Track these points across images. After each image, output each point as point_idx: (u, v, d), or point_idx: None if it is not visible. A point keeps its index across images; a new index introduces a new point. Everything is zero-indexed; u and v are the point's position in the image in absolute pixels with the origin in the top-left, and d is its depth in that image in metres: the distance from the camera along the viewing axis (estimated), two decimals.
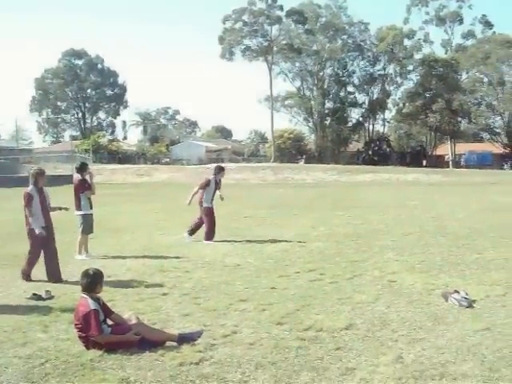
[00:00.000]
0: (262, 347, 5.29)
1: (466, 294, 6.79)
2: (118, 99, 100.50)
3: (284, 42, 74.73)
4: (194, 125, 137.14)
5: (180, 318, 6.24)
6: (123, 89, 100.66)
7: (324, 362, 4.94)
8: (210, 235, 12.08)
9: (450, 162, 77.27)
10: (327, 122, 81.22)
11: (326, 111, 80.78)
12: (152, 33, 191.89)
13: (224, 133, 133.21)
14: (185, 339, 5.37)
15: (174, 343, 5.33)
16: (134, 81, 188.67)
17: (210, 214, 12.21)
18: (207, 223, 12.13)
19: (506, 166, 71.82)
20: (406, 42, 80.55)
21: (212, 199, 12.35)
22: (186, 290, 7.57)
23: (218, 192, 12.49)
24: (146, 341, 5.26)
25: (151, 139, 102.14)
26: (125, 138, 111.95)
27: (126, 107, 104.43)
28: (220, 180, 12.69)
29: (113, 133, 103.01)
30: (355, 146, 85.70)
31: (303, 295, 7.20)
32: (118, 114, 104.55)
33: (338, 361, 4.96)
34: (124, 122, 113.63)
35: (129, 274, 8.70)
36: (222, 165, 13.71)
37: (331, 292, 7.38)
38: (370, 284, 7.82)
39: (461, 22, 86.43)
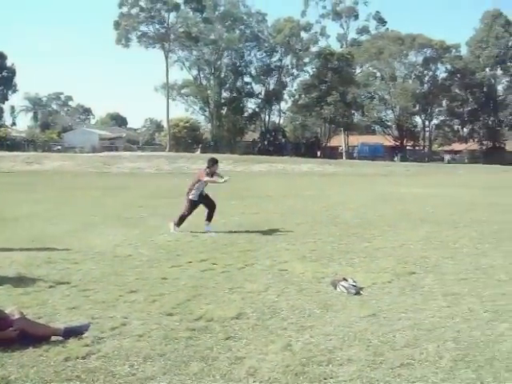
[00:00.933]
0: (151, 339, 5.18)
1: (354, 281, 6.97)
2: (6, 83, 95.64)
3: (181, 29, 74.01)
4: (87, 112, 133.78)
5: (67, 312, 5.99)
6: (12, 72, 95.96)
7: (214, 351, 4.90)
8: (180, 221, 11.80)
9: (344, 154, 79.70)
10: (223, 112, 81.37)
11: (223, 101, 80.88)
12: (43, 14, 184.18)
13: (119, 120, 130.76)
14: (71, 333, 5.14)
15: (60, 337, 5.10)
16: (24, 64, 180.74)
17: (192, 206, 11.93)
18: (185, 210, 11.87)
19: (396, 158, 75.02)
20: (303, 35, 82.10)
21: (200, 193, 12.00)
22: (75, 282, 7.30)
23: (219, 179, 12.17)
24: (30, 336, 5.00)
25: (42, 126, 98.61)
26: (13, 124, 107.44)
27: (14, 91, 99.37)
28: (215, 172, 12.17)
29: (0, 118, 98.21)
30: (251, 135, 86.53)
31: (194, 285, 7.14)
32: (7, 99, 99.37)
33: (228, 350, 4.93)
34: (12, 108, 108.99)
35: (14, 266, 8.28)
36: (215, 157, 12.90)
37: (222, 282, 7.36)
38: (262, 273, 7.87)
39: (356, 17, 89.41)
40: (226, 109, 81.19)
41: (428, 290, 6.99)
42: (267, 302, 6.43)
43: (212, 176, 12.03)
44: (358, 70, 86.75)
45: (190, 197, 11.95)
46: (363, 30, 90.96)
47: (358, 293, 6.74)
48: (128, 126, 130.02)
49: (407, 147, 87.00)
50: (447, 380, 4.37)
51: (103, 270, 8.05)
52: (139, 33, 72.89)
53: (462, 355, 4.87)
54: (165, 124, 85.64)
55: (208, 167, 12.11)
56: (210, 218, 12.04)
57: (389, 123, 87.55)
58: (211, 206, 12.10)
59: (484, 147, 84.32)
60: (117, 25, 71.52)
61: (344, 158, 76.12)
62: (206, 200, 12.16)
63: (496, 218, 14.65)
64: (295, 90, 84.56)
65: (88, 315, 5.83)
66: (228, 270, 8.01)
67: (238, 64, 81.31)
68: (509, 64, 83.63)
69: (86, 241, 10.57)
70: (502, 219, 14.33)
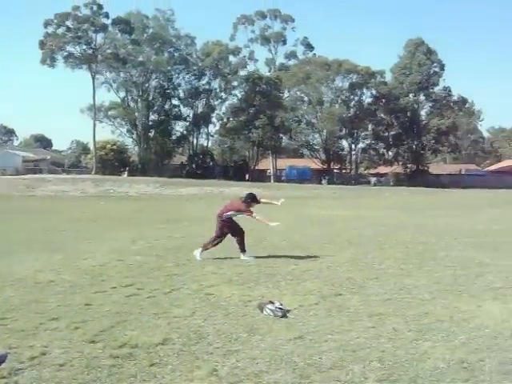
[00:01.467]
0: (73, 368, 5.00)
1: (281, 304, 6.96)
2: None
3: (109, 50, 73.00)
4: (10, 133, 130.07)
5: None
6: None
7: (138, 379, 4.78)
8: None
9: (272, 177, 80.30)
10: (151, 134, 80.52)
11: (151, 123, 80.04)
12: None
13: (43, 142, 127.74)
14: None
15: None
16: None
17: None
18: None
19: (323, 181, 76.24)
20: (232, 59, 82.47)
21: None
22: None
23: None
24: None
25: None
26: None
27: None
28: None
29: None
30: (179, 158, 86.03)
31: (119, 311, 6.96)
32: None
33: (153, 377, 4.82)
34: None
35: None
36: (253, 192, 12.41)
37: (148, 307, 7.21)
38: (188, 297, 7.76)
39: (284, 42, 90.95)
40: (153, 131, 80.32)
41: (354, 311, 7.05)
42: (193, 326, 6.34)
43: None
44: (285, 94, 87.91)
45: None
46: (291, 55, 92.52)
47: (284, 315, 6.73)
48: (53, 147, 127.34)
49: (334, 170, 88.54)
50: None
51: (23, 296, 7.75)
52: (65, 53, 71.33)
53: (387, 375, 4.95)
54: (91, 146, 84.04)
55: (245, 201, 11.69)
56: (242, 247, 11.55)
57: (316, 147, 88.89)
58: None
59: (408, 170, 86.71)
60: (42, 44, 69.82)
61: (272, 181, 76.70)
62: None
63: (421, 238, 15.02)
64: (223, 113, 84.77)
65: (5, 345, 5.58)
66: (154, 295, 7.86)
67: (167, 86, 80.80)
68: (431, 90, 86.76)
69: (5, 267, 10.16)
70: (427, 240, 14.70)
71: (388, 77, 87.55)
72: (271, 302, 6.96)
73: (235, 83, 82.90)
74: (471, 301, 7.66)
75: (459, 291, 8.27)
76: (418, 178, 79.56)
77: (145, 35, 76.88)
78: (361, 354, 5.48)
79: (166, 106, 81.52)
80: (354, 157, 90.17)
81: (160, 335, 5.95)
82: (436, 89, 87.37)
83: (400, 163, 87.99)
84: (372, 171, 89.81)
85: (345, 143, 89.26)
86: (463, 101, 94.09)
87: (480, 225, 19.65)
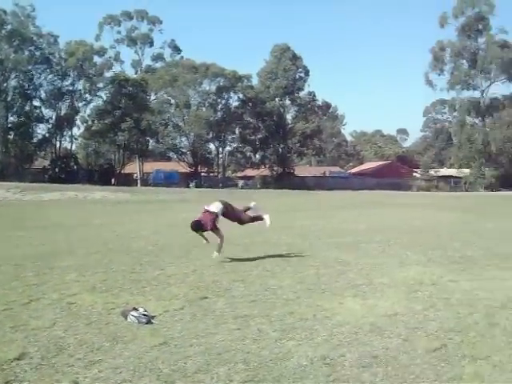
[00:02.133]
0: None
1: (145, 310, 6.82)
2: None
3: None
4: None
5: None
6: None
7: None
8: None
9: (139, 181, 79.21)
10: (10, 137, 76.65)
11: (10, 125, 76.21)
12: None
13: None
14: None
15: None
16: None
17: None
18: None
19: (191, 185, 76.18)
20: (97, 59, 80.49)
21: None
22: None
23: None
24: None
25: None
26: None
27: None
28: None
29: None
30: (41, 162, 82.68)
31: None
32: None
33: None
34: None
35: None
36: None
37: (4, 320, 6.76)
38: (48, 308, 7.39)
39: (151, 44, 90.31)
40: (13, 134, 76.55)
41: (219, 314, 7.05)
42: (53, 338, 6.04)
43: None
44: (152, 97, 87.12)
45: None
46: (158, 57, 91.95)
47: (149, 322, 6.60)
48: None
49: (202, 173, 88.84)
50: None
51: None
52: None
53: (252, 376, 4.97)
54: None
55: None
56: None
57: (183, 150, 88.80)
58: None
59: (275, 173, 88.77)
60: None
61: (139, 185, 75.66)
62: None
63: (286, 240, 15.35)
64: (88, 115, 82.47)
65: None
66: (11, 307, 7.41)
67: (27, 87, 77.25)
68: (296, 95, 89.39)
69: None
70: (292, 241, 15.05)
71: (255, 81, 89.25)
72: (135, 309, 6.80)
73: (100, 85, 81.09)
74: (333, 298, 7.91)
75: (322, 290, 8.52)
76: (284, 180, 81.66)
77: (3, 31, 73.02)
78: (226, 356, 5.48)
79: (27, 108, 77.95)
80: (221, 160, 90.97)
81: (16, 350, 5.60)
82: (301, 93, 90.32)
83: (267, 166, 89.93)
84: (239, 174, 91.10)
85: (212, 146, 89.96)
86: (327, 105, 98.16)
87: (343, 225, 20.43)
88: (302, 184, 79.08)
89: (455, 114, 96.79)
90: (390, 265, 10.92)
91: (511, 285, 8.84)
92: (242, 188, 79.05)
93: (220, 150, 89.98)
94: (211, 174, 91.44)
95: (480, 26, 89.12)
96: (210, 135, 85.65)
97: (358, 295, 8.14)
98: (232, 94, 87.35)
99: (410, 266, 10.81)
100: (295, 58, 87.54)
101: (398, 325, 6.59)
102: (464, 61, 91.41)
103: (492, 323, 6.65)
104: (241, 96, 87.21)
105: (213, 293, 8.29)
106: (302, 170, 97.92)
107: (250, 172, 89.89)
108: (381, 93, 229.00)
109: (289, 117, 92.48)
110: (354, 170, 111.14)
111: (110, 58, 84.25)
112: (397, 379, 4.95)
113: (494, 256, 12.06)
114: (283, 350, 5.65)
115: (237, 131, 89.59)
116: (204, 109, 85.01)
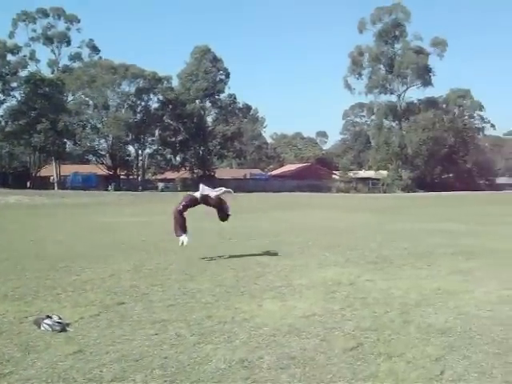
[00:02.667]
0: None
1: (60, 317, 6.61)
2: None
3: None
4: None
5: None
6: None
7: None
8: None
9: (56, 184, 77.11)
10: None
11: None
12: None
13: None
14: None
15: None
16: None
17: None
18: None
19: (110, 187, 74.79)
20: (10, 58, 77.72)
21: None
22: None
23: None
24: None
25: None
26: None
27: None
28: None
29: None
30: None
31: None
32: None
33: None
34: None
35: None
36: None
37: None
38: None
39: (68, 43, 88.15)
40: None
41: (137, 320, 6.92)
42: None
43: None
44: (69, 98, 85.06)
45: None
46: (76, 57, 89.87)
47: (63, 329, 6.39)
48: None
49: (121, 176, 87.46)
50: None
51: None
52: None
53: (170, 381, 4.92)
54: None
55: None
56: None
57: (102, 152, 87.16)
58: None
59: (195, 175, 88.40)
60: None
61: (56, 188, 73.68)
62: None
63: (206, 242, 15.29)
64: (1, 116, 79.55)
65: None
66: None
67: None
68: (217, 97, 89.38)
69: None
70: (212, 243, 15.04)
71: (175, 82, 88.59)
72: (49, 317, 6.57)
73: (14, 84, 78.33)
74: (252, 301, 7.92)
75: (241, 292, 8.52)
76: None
77: None
78: (143, 362, 5.38)
79: None
80: (140, 162, 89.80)
81: None
82: (222, 96, 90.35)
83: (187, 168, 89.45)
84: (159, 177, 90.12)
85: (131, 149, 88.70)
86: (247, 108, 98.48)
87: (262, 227, 20.58)
88: (223, 186, 78.94)
89: (373, 117, 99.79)
90: (309, 266, 11.06)
91: (425, 283, 9.12)
92: (162, 191, 78.31)
93: (139, 152, 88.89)
94: (130, 177, 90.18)
95: (397, 33, 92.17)
96: (130, 137, 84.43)
97: (277, 297, 8.19)
98: (152, 96, 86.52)
99: (328, 266, 10.99)
100: (216, 60, 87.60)
101: (315, 325, 6.67)
102: (381, 65, 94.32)
103: (407, 321, 6.84)
104: (161, 98, 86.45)
105: (130, 298, 8.14)
106: (223, 172, 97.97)
107: (170, 175, 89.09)
108: (301, 96, 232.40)
109: (209, 119, 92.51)
110: (274, 172, 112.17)
111: (24, 56, 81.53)
112: (314, 379, 5.00)
113: (410, 255, 12.44)
114: (201, 354, 5.61)
115: (157, 133, 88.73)
116: (123, 110, 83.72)
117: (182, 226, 12.43)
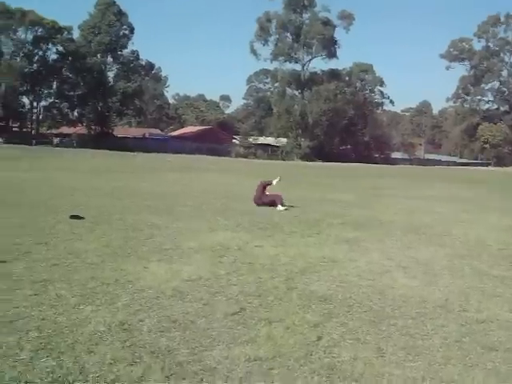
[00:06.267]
0: None
1: None
2: None
3: None
4: None
5: None
6: None
7: None
8: None
9: None
10: None
11: None
12: None
13: None
14: None
15: None
16: None
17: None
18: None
19: (0, 140, 71.33)
20: None
21: None
22: None
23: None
24: None
25: None
26: None
27: None
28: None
29: None
30: None
31: None
32: None
33: None
34: None
35: None
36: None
37: None
38: None
39: None
40: None
41: (16, 279, 6.69)
42: None
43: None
44: None
45: None
46: None
47: None
48: None
49: (13, 129, 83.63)
50: (27, 372, 4.21)
51: None
52: None
53: (45, 343, 4.81)
54: None
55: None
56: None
57: None
58: None
59: (93, 132, 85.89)
60: None
61: None
62: None
63: (96, 202, 14.94)
64: None
65: None
66: None
67: None
68: (119, 53, 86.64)
69: None
70: (102, 203, 14.68)
71: (76, 34, 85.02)
72: None
73: None
74: (139, 263, 7.85)
75: (128, 253, 8.43)
76: (102, 140, 79.21)
77: None
78: (18, 324, 5.22)
79: None
80: (35, 115, 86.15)
81: None
82: (124, 52, 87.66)
83: (84, 124, 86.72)
84: (55, 131, 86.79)
85: (26, 100, 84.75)
86: (150, 66, 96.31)
87: (158, 188, 20.40)
88: (121, 145, 77.12)
89: (276, 84, 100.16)
90: (200, 229, 11.08)
91: (312, 251, 9.35)
92: (56, 146, 75.58)
93: (34, 104, 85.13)
94: (24, 130, 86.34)
95: (306, 2, 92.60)
96: (24, 88, 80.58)
97: (164, 259, 8.16)
98: (51, 46, 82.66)
99: (219, 231, 11.05)
100: (120, 13, 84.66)
101: (200, 289, 6.70)
102: (288, 34, 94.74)
103: (290, 287, 7.00)
104: (60, 49, 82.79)
105: (11, 256, 7.83)
106: (122, 130, 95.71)
107: (66, 130, 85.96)
108: (206, 58, 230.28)
109: (110, 75, 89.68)
110: (174, 134, 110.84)
111: None
112: (193, 343, 5.03)
113: (300, 223, 12.70)
114: (81, 316, 5.51)
115: (54, 86, 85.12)
116: (18, 59, 79.61)
117: None
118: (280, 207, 15.15)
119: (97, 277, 6.97)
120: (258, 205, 15.67)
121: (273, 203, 15.39)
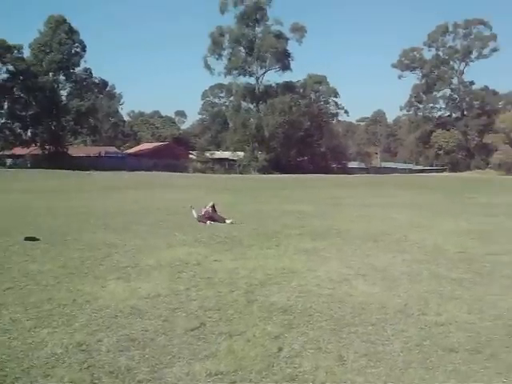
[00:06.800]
0: None
1: None
2: None
3: None
4: None
5: None
6: None
7: None
8: None
9: None
10: None
11: None
12: None
13: None
14: None
15: None
16: None
17: None
18: None
19: None
20: None
21: None
22: None
23: None
24: None
25: None
26: None
27: None
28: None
29: None
30: None
31: None
32: None
33: None
34: None
35: None
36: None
37: None
38: None
39: None
40: None
41: None
42: None
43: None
44: None
45: None
46: None
47: None
48: None
49: None
50: None
51: None
52: None
53: None
54: None
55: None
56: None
57: None
58: None
59: (47, 151, 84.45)
60: None
61: None
62: None
63: (55, 222, 14.70)
64: None
65: None
66: None
67: None
68: (71, 70, 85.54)
69: None
70: (59, 223, 14.45)
71: (27, 53, 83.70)
72: None
73: None
74: (96, 282, 7.73)
75: (85, 273, 8.29)
76: (57, 160, 77.95)
77: None
78: None
79: None
80: None
81: None
82: (77, 69, 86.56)
83: (38, 144, 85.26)
84: (7, 152, 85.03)
85: None
86: (104, 84, 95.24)
87: (114, 206, 20.17)
88: (77, 164, 76.07)
89: (231, 98, 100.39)
90: (158, 246, 10.99)
91: (271, 263, 9.35)
92: (10, 167, 74.09)
93: None
94: None
95: (258, 16, 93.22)
96: None
97: (122, 278, 8.05)
98: (0, 65, 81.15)
99: (177, 247, 10.97)
100: (72, 31, 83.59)
101: (159, 306, 6.62)
102: (241, 47, 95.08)
103: (250, 300, 6.97)
104: (10, 68, 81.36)
105: None
106: (77, 149, 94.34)
107: (19, 150, 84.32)
108: (161, 75, 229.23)
109: (63, 93, 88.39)
110: (130, 151, 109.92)
111: None
112: (153, 361, 4.97)
113: (259, 236, 12.70)
114: (37, 339, 5.39)
115: (5, 106, 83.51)
116: None
117: None
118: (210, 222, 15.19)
119: (53, 298, 6.83)
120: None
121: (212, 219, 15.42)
